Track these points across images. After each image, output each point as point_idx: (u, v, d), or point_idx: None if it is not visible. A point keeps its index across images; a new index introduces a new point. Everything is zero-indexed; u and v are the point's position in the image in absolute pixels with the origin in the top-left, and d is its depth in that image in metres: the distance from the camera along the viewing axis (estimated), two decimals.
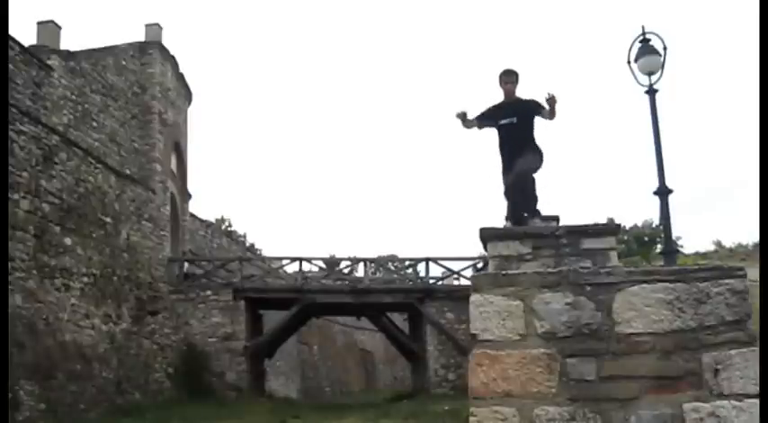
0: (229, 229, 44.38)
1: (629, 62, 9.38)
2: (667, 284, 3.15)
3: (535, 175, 7.01)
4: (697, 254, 31.28)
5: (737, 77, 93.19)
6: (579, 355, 3.12)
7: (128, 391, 17.64)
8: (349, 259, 27.12)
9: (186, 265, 23.39)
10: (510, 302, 3.23)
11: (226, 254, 29.63)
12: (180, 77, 25.29)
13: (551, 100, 6.76)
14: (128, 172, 20.85)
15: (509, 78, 7.09)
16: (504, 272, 3.45)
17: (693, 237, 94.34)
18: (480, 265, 20.78)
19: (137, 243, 20.19)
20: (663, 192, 8.83)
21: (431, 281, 22.44)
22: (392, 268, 41.81)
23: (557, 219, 9.40)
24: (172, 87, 24.31)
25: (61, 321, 15.50)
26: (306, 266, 23.43)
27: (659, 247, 29.22)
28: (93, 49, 21.59)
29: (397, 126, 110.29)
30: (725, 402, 3.01)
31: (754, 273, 4.08)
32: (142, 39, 23.37)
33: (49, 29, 20.53)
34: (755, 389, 3.01)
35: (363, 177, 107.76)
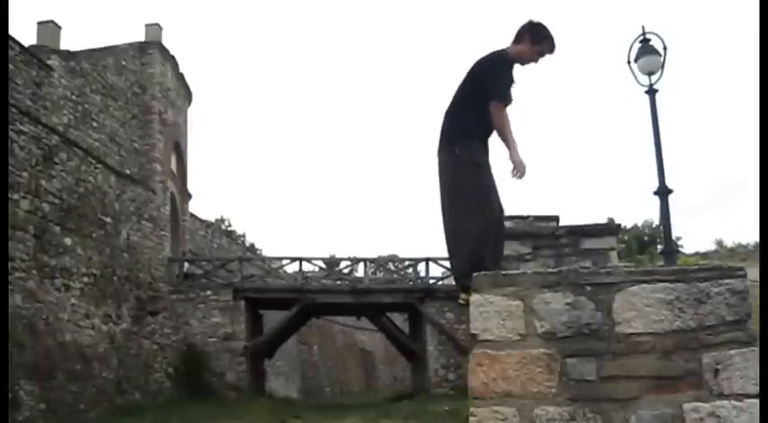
0: (229, 228, 44.37)
1: (629, 62, 9.39)
2: (667, 284, 3.15)
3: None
4: (697, 254, 31.29)
5: (737, 77, 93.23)
6: (579, 355, 3.12)
7: (128, 391, 17.64)
8: (349, 259, 27.14)
9: (186, 265, 23.40)
10: (510, 302, 3.22)
11: (226, 254, 29.64)
12: (180, 77, 25.30)
13: None
14: (128, 172, 20.86)
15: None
16: (504, 272, 3.44)
17: (694, 237, 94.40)
18: None
19: (137, 243, 20.19)
20: (663, 192, 8.84)
21: (431, 281, 22.44)
22: (392, 268, 41.78)
23: (557, 219, 9.42)
24: (172, 87, 24.32)
25: (61, 321, 15.50)
26: (306, 266, 23.45)
27: (659, 247, 29.24)
28: (93, 49, 21.61)
29: (398, 126, 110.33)
30: (725, 402, 3.01)
31: (754, 273, 4.07)
32: (142, 39, 23.38)
33: (49, 29, 20.55)
34: (755, 389, 3.00)
35: (364, 177, 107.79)
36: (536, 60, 4.30)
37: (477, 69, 4.25)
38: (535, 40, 4.23)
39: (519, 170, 4.12)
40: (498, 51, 4.28)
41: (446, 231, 4.26)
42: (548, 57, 4.33)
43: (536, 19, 4.30)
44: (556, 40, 4.27)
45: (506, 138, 4.15)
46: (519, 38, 4.27)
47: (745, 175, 77.82)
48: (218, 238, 32.06)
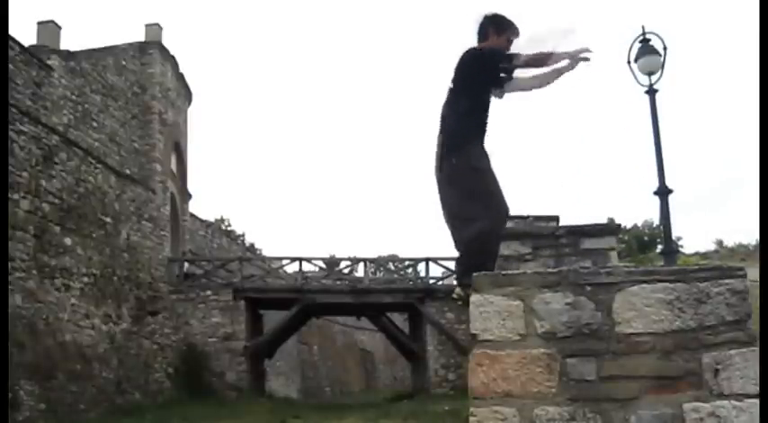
0: (229, 228, 44.36)
1: (629, 62, 9.39)
2: (667, 284, 3.14)
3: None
4: (697, 254, 31.29)
5: (737, 77, 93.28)
6: (579, 355, 3.12)
7: (128, 391, 17.64)
8: (349, 259, 27.12)
9: (186, 265, 23.41)
10: (510, 302, 3.22)
11: (226, 254, 29.65)
12: (180, 77, 25.30)
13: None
14: (128, 172, 20.87)
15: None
16: (504, 272, 3.44)
17: (693, 237, 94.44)
18: None
19: (137, 243, 20.20)
20: (663, 192, 8.85)
21: (431, 281, 22.44)
22: (392, 268, 41.72)
23: (557, 219, 9.42)
24: (172, 87, 24.32)
25: (61, 321, 15.50)
26: (306, 266, 23.45)
27: (659, 247, 29.25)
28: (93, 49, 21.61)
29: (398, 125, 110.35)
30: (725, 402, 3.00)
31: (754, 273, 4.06)
32: (142, 39, 23.39)
33: (49, 29, 20.55)
34: (755, 389, 3.00)
35: (364, 177, 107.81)
36: (508, 49, 4.24)
37: (459, 67, 4.17)
38: (500, 30, 4.20)
39: (575, 61, 3.99)
40: (472, 48, 4.22)
41: (453, 234, 4.20)
42: (516, 42, 4.25)
43: (489, 10, 4.28)
44: (517, 23, 4.23)
45: (543, 59, 3.99)
46: (484, 34, 4.24)
47: (745, 174, 77.90)
48: (218, 238, 32.07)
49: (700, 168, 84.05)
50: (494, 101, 4.27)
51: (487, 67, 4.13)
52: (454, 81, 4.19)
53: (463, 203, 4.11)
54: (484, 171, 4.14)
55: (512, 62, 4.08)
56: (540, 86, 4.28)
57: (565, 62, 4.05)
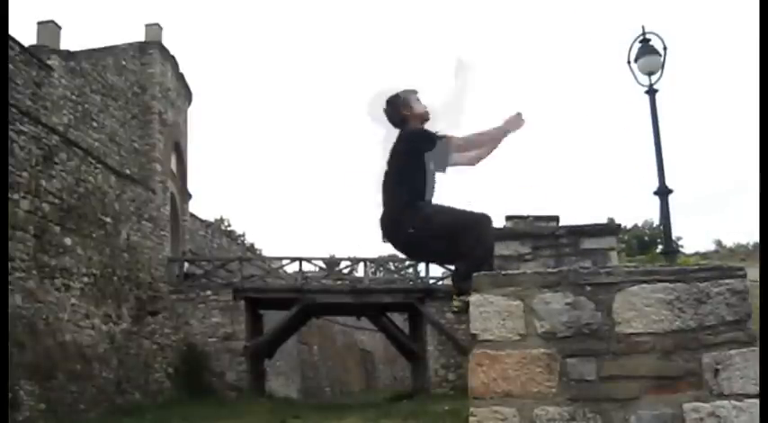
0: (229, 228, 44.33)
1: (629, 62, 9.41)
2: (667, 284, 3.14)
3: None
4: (697, 254, 31.29)
5: (737, 78, 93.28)
6: (579, 355, 3.12)
7: (128, 391, 17.64)
8: (349, 259, 27.09)
9: (186, 265, 23.40)
10: (510, 302, 3.22)
11: (226, 254, 29.64)
12: (180, 77, 25.30)
13: None
14: (128, 172, 20.86)
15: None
16: (504, 272, 3.44)
17: (694, 237, 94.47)
18: None
19: (137, 243, 20.20)
20: (663, 192, 8.86)
21: (431, 281, 22.45)
22: (392, 268, 41.72)
23: (557, 219, 9.40)
24: (172, 87, 24.32)
25: (61, 321, 15.50)
26: (306, 266, 23.45)
27: (659, 247, 29.23)
28: (93, 49, 21.61)
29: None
30: (725, 402, 3.00)
31: (754, 273, 4.06)
32: (142, 39, 23.39)
33: (49, 29, 20.55)
34: (755, 389, 3.00)
35: (363, 177, 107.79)
36: (427, 113, 4.15)
37: (404, 141, 4.04)
38: (406, 104, 4.12)
39: (516, 123, 3.97)
40: (409, 130, 4.09)
41: (458, 256, 4.02)
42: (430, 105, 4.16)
43: (387, 95, 4.17)
44: (410, 87, 4.15)
45: (486, 140, 3.97)
46: (399, 118, 4.11)
47: (746, 176, 77.86)
48: (218, 238, 32.06)
49: (700, 171, 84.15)
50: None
51: (425, 148, 3.98)
52: (393, 158, 4.01)
53: (453, 234, 3.91)
54: (437, 210, 3.97)
55: (447, 148, 3.96)
56: (479, 160, 4.20)
57: (500, 133, 4.00)
